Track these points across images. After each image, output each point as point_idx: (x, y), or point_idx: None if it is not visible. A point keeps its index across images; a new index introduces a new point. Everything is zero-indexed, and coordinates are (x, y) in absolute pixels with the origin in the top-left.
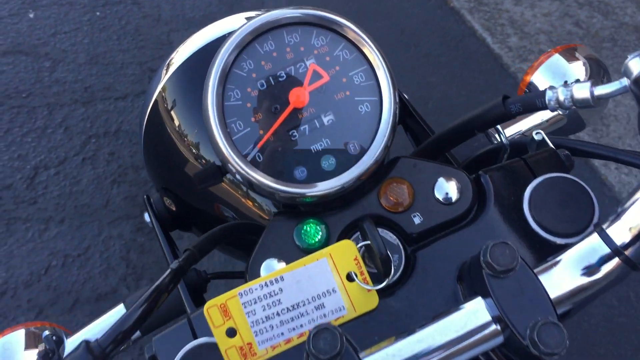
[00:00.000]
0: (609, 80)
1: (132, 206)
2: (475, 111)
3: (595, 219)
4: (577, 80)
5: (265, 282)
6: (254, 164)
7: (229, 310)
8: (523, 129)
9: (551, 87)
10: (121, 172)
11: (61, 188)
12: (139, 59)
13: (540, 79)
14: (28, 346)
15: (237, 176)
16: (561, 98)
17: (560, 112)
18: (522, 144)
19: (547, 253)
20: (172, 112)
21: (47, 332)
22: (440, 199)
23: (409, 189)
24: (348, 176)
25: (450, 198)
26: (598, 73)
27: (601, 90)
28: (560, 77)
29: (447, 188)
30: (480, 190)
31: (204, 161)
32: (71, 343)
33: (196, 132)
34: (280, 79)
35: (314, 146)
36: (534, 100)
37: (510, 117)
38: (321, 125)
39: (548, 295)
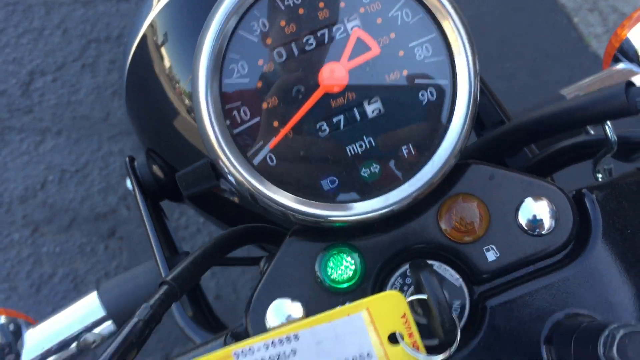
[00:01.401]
0: None
1: None
2: (579, 99)
3: None
4: None
5: (273, 341)
6: (262, 170)
7: None
8: None
9: None
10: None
11: (58, 97)
12: None
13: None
14: None
15: (236, 185)
16: None
17: None
18: (633, 142)
19: None
20: (163, 51)
21: (2, 322)
22: (526, 226)
23: (482, 210)
24: (399, 194)
25: (541, 226)
26: None
27: None
28: None
29: (537, 212)
30: (581, 217)
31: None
32: (32, 336)
33: (190, 78)
34: (307, 49)
35: (350, 147)
36: None
37: (632, 112)
38: (363, 117)
39: None
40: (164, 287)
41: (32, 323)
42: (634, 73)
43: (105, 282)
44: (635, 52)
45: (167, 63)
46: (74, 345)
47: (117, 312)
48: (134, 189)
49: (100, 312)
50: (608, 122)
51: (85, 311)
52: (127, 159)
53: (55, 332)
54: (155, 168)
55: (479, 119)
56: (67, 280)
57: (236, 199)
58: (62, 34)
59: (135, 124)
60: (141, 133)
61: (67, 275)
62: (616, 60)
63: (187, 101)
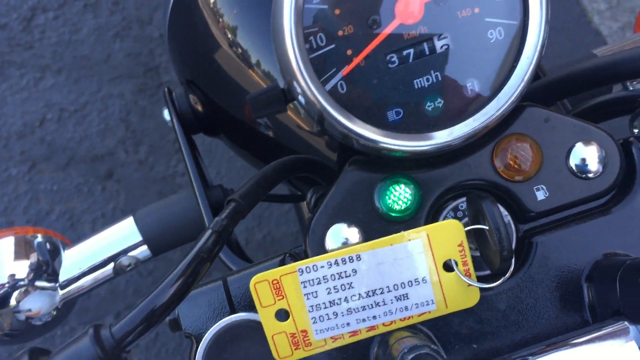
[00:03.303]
0: None
1: (135, 65)
2: (627, 52)
3: None
4: None
5: (336, 260)
6: (333, 95)
7: (283, 289)
8: None
9: None
10: (125, 25)
11: (60, 35)
12: None
13: None
14: (18, 256)
15: (307, 106)
16: None
17: None
18: None
19: None
20: None
21: (40, 240)
22: (575, 169)
23: (535, 151)
24: (461, 130)
25: (589, 170)
26: None
27: None
28: None
29: (586, 156)
30: (627, 164)
31: (247, 57)
32: (69, 256)
33: (235, 12)
34: None
35: (418, 80)
36: None
37: None
38: (432, 51)
39: None
40: (232, 204)
41: (68, 244)
42: None
43: (141, 209)
44: None
45: None
46: (110, 267)
47: (152, 238)
48: (172, 120)
49: (137, 237)
50: None
51: (121, 235)
52: (165, 89)
53: (92, 254)
54: (193, 100)
55: None
56: (64, 219)
57: (272, 134)
58: None
59: (175, 53)
60: (181, 64)
61: (64, 213)
62: None
63: (230, 35)
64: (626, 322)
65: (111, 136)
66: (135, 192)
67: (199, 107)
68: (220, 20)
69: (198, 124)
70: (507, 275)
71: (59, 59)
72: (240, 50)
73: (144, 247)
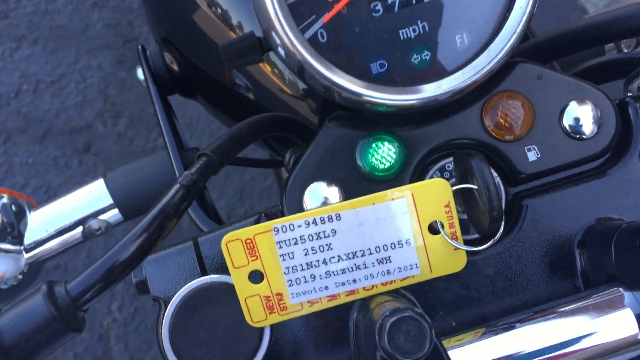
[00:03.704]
0: None
1: (114, 35)
2: (623, 9)
3: None
4: None
5: (315, 219)
6: (313, 44)
7: (257, 249)
8: None
9: None
10: None
11: (36, 4)
12: None
13: None
14: None
15: (286, 57)
16: None
17: None
18: None
19: None
20: None
21: (5, 201)
22: (569, 129)
23: (527, 109)
24: (449, 83)
25: (583, 130)
26: None
27: None
28: None
29: (581, 115)
30: (623, 125)
31: (224, 14)
32: (35, 218)
33: None
34: None
35: (404, 30)
36: None
37: None
38: (419, 0)
39: None
40: (204, 158)
41: (35, 206)
42: None
43: (112, 171)
44: None
45: None
46: (78, 230)
47: (124, 201)
48: (145, 79)
49: (107, 200)
50: None
51: (91, 197)
52: (139, 46)
53: (60, 216)
54: (169, 59)
55: None
56: (40, 192)
57: (251, 96)
58: None
59: (150, 10)
60: (156, 21)
61: (40, 186)
62: None
63: None
64: (620, 289)
65: (89, 108)
66: (113, 165)
67: (175, 67)
68: None
69: (173, 84)
70: (496, 238)
71: (35, 29)
72: (219, 10)
73: (115, 211)
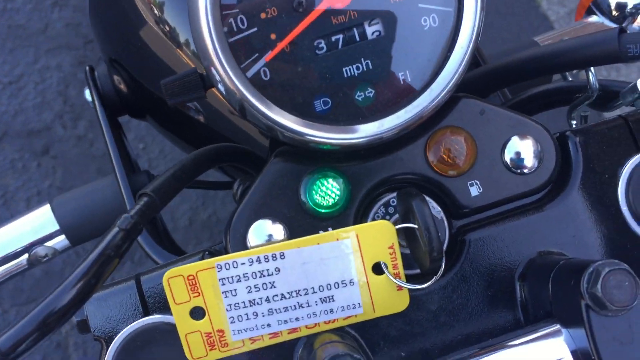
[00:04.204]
0: None
1: (75, 36)
2: (569, 41)
3: None
4: None
5: (258, 257)
6: (255, 83)
7: (199, 285)
8: None
9: None
10: None
11: None
12: None
13: None
14: None
15: (227, 95)
16: None
17: None
18: (611, 91)
19: (638, 253)
20: None
21: None
22: (510, 164)
23: (469, 144)
24: (392, 122)
25: (524, 165)
26: None
27: None
28: None
29: (522, 150)
30: (563, 159)
31: (172, 33)
32: None
33: None
34: None
35: (347, 68)
36: None
37: (622, 59)
38: (363, 37)
39: None
40: (144, 199)
41: None
42: (606, 27)
43: (59, 196)
44: (609, 6)
45: None
46: (23, 257)
47: (71, 227)
48: (93, 101)
49: (54, 226)
50: (592, 69)
51: (36, 224)
52: (87, 67)
53: (4, 243)
54: (117, 80)
55: None
56: None
57: (202, 118)
58: None
59: (98, 30)
60: (104, 41)
61: None
62: (589, 13)
63: (156, 11)
64: (558, 325)
65: (48, 110)
66: (73, 169)
67: (123, 87)
68: None
69: (122, 105)
70: (438, 275)
71: None
72: (167, 27)
73: (62, 237)
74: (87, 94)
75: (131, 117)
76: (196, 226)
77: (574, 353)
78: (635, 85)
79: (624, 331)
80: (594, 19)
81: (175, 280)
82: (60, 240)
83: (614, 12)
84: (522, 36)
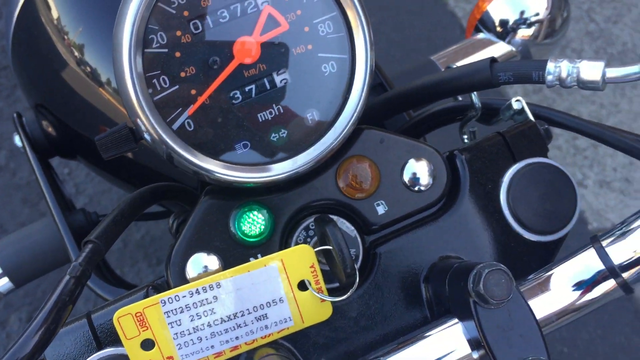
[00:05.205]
0: (569, 15)
1: None
2: (451, 71)
3: (575, 216)
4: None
5: (197, 289)
6: (181, 135)
7: (147, 320)
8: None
9: (553, 60)
10: None
11: None
12: None
13: (499, 8)
14: None
15: (154, 145)
16: (564, 75)
17: (514, 49)
18: (493, 108)
19: (520, 250)
20: (52, 1)
21: None
22: (409, 183)
23: (373, 170)
24: (305, 158)
25: (420, 183)
26: (559, 7)
27: (615, 73)
28: (520, 7)
29: (418, 171)
30: (453, 174)
31: (94, 74)
32: None
33: (80, 30)
34: (222, 22)
35: (262, 114)
36: (530, 73)
37: (495, 85)
38: (272, 86)
39: (540, 330)
40: (90, 246)
41: None
42: (492, 42)
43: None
44: (494, 23)
45: (55, 14)
46: None
47: (13, 269)
48: (24, 146)
49: None
50: (474, 92)
51: None
52: (15, 115)
53: None
54: (45, 124)
55: None
56: None
57: (130, 155)
58: None
59: (22, 78)
60: (29, 88)
61: None
62: (477, 30)
63: (77, 53)
64: (456, 319)
65: None
66: None
67: (52, 131)
68: (66, 38)
69: (52, 148)
70: (354, 288)
71: None
72: (89, 69)
73: (5, 280)
74: (17, 139)
75: (62, 158)
76: (131, 247)
77: (469, 342)
78: (510, 104)
79: (505, 319)
80: (481, 35)
81: (124, 318)
82: (4, 283)
83: (498, 29)
84: (433, 33)
